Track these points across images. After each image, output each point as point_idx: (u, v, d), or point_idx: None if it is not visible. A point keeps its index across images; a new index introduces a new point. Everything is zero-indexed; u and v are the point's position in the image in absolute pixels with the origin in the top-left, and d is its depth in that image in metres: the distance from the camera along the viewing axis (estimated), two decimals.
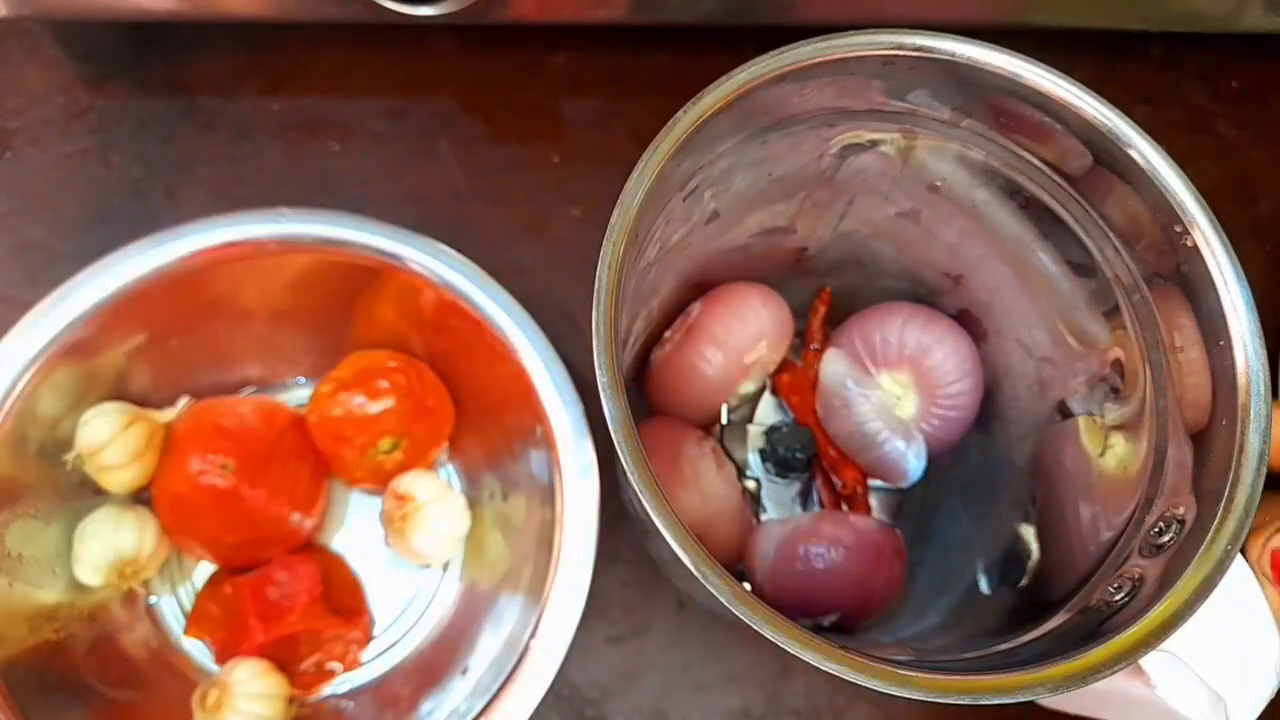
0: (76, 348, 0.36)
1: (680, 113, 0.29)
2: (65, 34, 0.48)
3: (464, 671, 0.37)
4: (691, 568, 0.25)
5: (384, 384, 0.39)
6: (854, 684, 0.43)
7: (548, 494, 0.36)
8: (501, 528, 0.40)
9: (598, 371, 0.27)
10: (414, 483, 0.40)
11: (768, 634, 0.26)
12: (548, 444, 0.36)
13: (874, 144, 0.35)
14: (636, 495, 0.26)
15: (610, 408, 0.26)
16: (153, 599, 0.40)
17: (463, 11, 0.41)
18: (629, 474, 0.26)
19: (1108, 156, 0.31)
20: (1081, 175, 0.32)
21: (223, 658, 0.39)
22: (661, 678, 0.42)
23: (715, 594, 0.25)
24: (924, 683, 0.26)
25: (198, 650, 0.40)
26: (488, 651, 0.37)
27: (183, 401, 0.40)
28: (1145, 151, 0.30)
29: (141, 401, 0.39)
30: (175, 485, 0.38)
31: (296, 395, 0.43)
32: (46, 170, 0.47)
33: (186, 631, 0.40)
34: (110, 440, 0.37)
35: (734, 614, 0.26)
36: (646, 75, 0.50)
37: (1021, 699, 0.26)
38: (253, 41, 0.49)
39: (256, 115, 0.48)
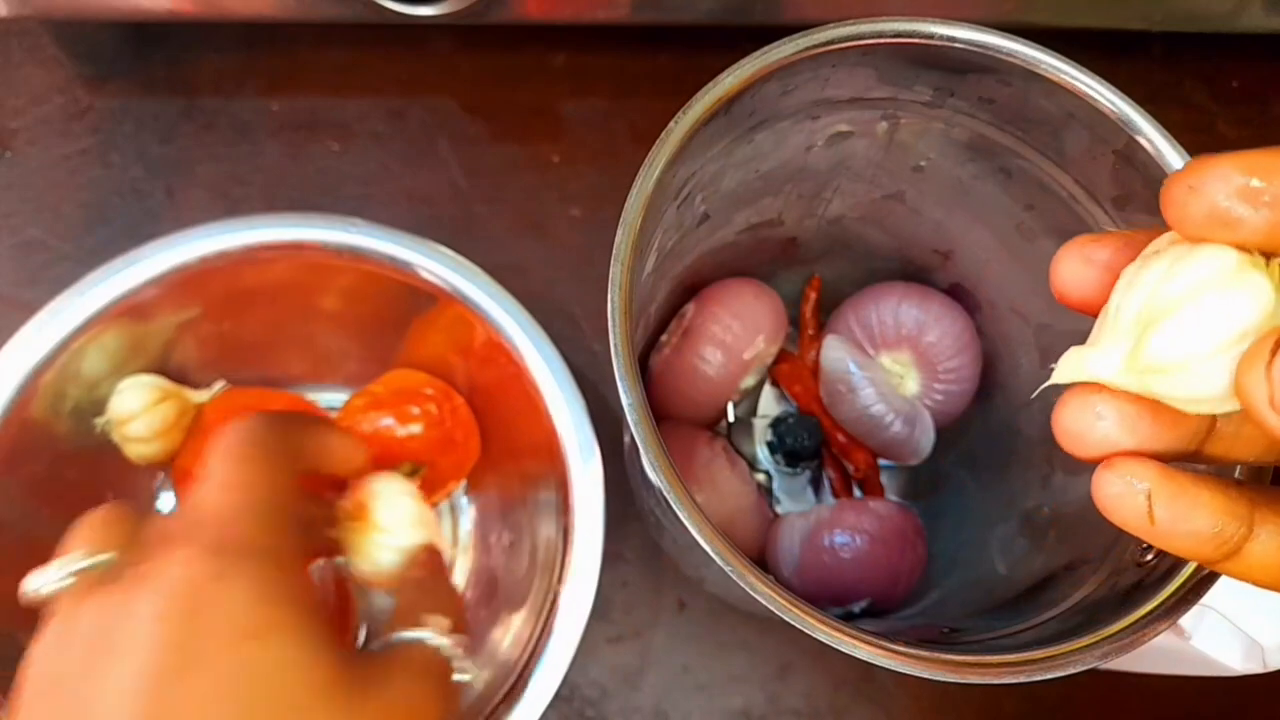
0: (133, 310, 0.36)
1: (672, 124, 0.29)
2: (65, 34, 0.48)
3: None
4: (723, 565, 0.25)
5: (416, 410, 0.39)
6: (854, 683, 0.43)
7: (551, 552, 0.36)
8: (501, 574, 0.40)
9: (622, 395, 0.27)
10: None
11: (821, 635, 0.26)
12: (552, 451, 0.36)
13: (857, 132, 0.35)
14: (659, 494, 0.26)
15: (637, 427, 0.27)
16: None
17: (463, 11, 0.41)
18: (652, 472, 0.26)
19: (1091, 122, 0.31)
20: (1066, 142, 0.33)
21: None
22: (662, 678, 0.42)
23: (751, 592, 0.26)
24: (977, 666, 0.26)
25: None
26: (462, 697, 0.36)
27: (219, 385, 0.40)
28: (1128, 114, 0.30)
29: (181, 379, 0.39)
30: (194, 467, 0.38)
31: (332, 399, 0.43)
32: (46, 170, 0.47)
33: None
34: (140, 413, 0.37)
35: (770, 611, 0.26)
36: (647, 75, 0.50)
37: (1076, 670, 0.26)
38: (252, 41, 0.49)
39: (256, 115, 0.48)
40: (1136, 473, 0.18)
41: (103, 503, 0.39)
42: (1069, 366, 0.18)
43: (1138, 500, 0.18)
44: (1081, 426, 0.19)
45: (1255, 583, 0.19)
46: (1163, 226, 0.18)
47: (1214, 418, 0.19)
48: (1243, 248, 0.17)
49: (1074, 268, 0.20)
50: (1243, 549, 0.19)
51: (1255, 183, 0.17)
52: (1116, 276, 0.19)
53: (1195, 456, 0.20)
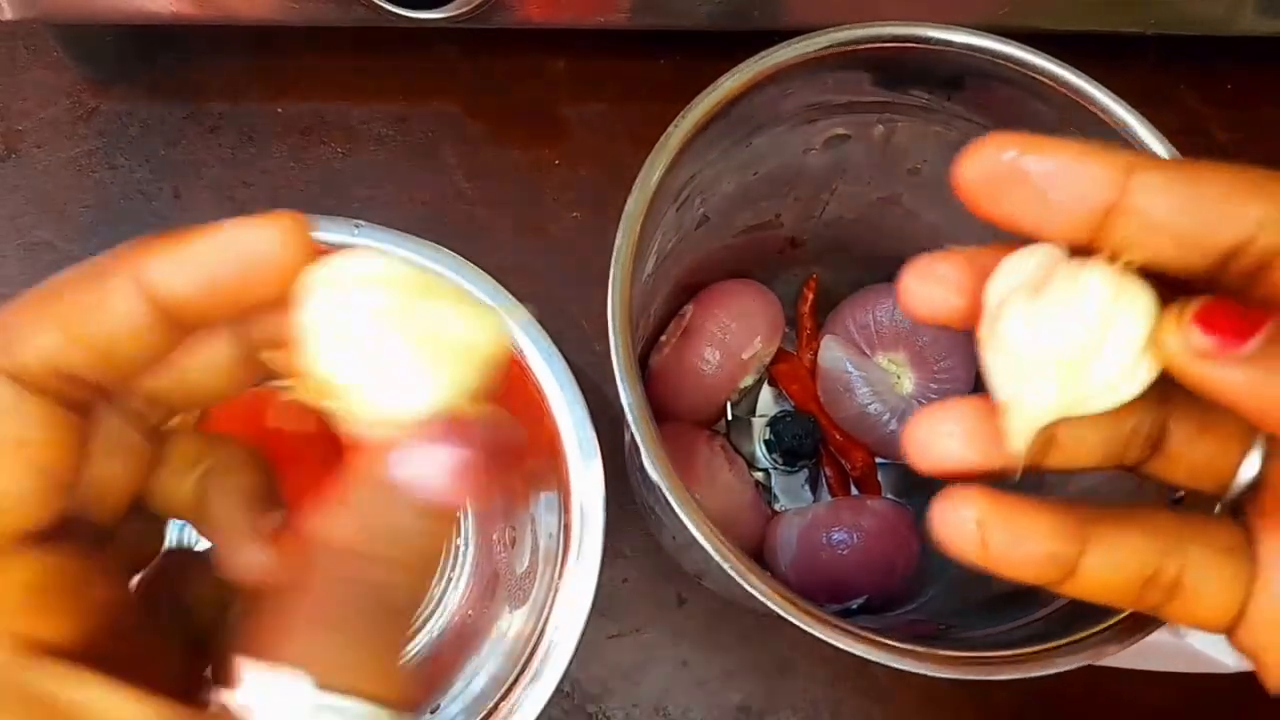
0: None
1: (671, 127, 0.30)
2: (71, 37, 0.48)
3: (433, 710, 0.37)
4: (722, 562, 0.26)
5: None
6: (850, 679, 0.43)
7: (552, 549, 0.36)
8: (503, 570, 0.41)
9: (622, 395, 0.27)
10: None
11: (818, 632, 0.26)
12: (554, 450, 0.36)
13: (854, 135, 0.35)
14: (659, 492, 0.27)
15: (637, 426, 0.27)
16: None
17: (465, 16, 0.41)
18: (651, 471, 0.27)
19: (1085, 125, 0.32)
20: None
21: None
22: (662, 674, 0.43)
23: (749, 589, 0.26)
24: (972, 662, 0.27)
25: None
26: (464, 694, 0.37)
27: None
28: (1122, 118, 0.31)
29: None
30: None
31: None
32: (53, 172, 0.47)
33: None
34: None
35: (768, 608, 0.26)
36: (647, 79, 0.50)
37: (1070, 666, 0.26)
38: (257, 46, 0.49)
39: (261, 119, 0.49)
40: (967, 503, 0.19)
41: None
42: (1023, 427, 0.19)
43: (970, 529, 0.19)
44: (928, 440, 0.20)
45: (1096, 600, 0.19)
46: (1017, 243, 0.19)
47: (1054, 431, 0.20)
48: (1115, 260, 0.18)
49: (923, 287, 0.20)
50: (1078, 568, 0.19)
51: (1025, 160, 0.18)
52: (964, 293, 0.19)
53: (1038, 469, 0.20)
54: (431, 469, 0.17)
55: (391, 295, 0.17)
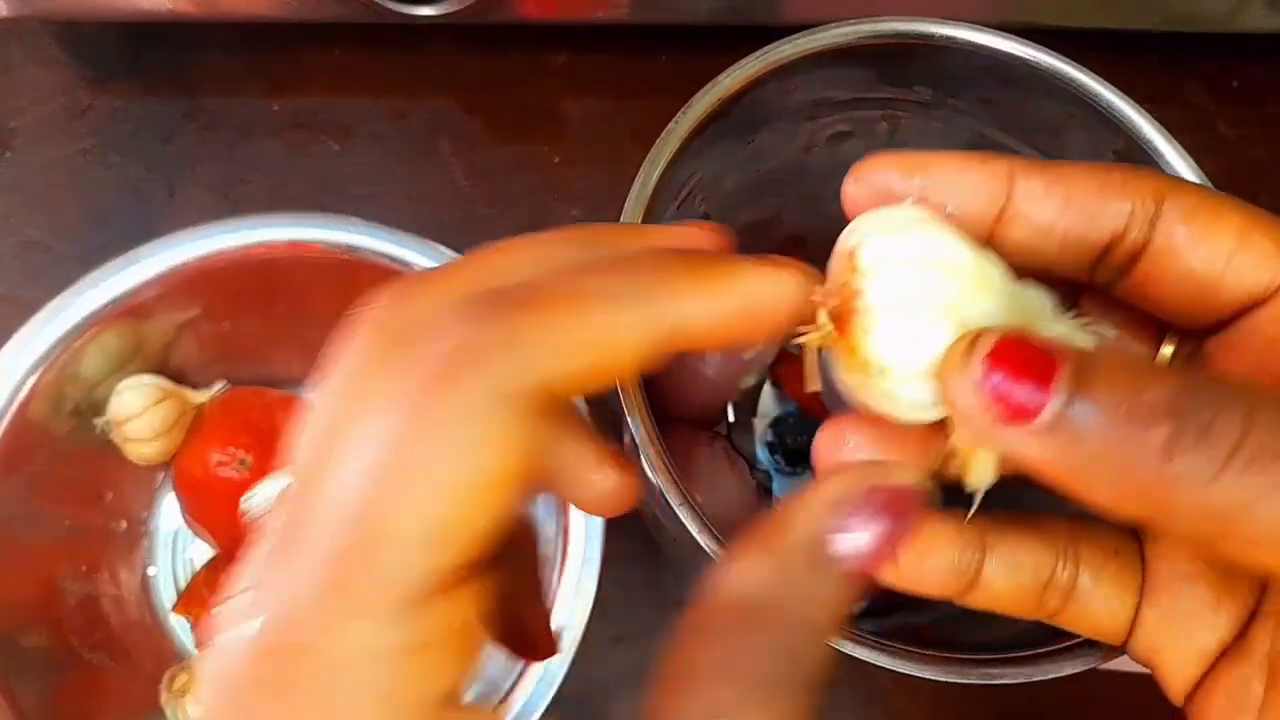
0: (133, 310, 0.36)
1: (672, 123, 0.29)
2: (66, 34, 0.48)
3: None
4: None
5: None
6: (852, 682, 0.43)
7: (551, 552, 0.36)
8: None
9: (622, 395, 0.27)
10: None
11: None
12: None
13: (857, 132, 0.35)
14: (658, 493, 0.26)
15: (636, 427, 0.27)
16: (151, 570, 0.41)
17: (463, 11, 0.41)
18: (651, 472, 0.26)
19: (1091, 122, 0.31)
20: (1066, 142, 0.33)
21: (203, 643, 0.39)
22: None
23: None
24: (977, 666, 0.27)
25: (182, 630, 0.40)
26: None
27: (219, 385, 0.40)
28: (1128, 114, 0.31)
29: (180, 379, 0.40)
30: (194, 469, 0.39)
31: None
32: (47, 170, 0.47)
33: (175, 609, 0.40)
34: (139, 413, 0.37)
35: None
36: (647, 75, 0.50)
37: (1076, 669, 0.26)
38: (253, 42, 0.49)
39: (257, 115, 0.48)
40: None
41: (102, 503, 0.40)
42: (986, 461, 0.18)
43: None
44: (838, 455, 0.20)
45: (1000, 609, 0.20)
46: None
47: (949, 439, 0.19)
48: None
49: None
50: (980, 577, 0.19)
51: (907, 179, 0.18)
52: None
53: (937, 477, 0.20)
54: (867, 540, 0.17)
55: (961, 287, 0.17)
